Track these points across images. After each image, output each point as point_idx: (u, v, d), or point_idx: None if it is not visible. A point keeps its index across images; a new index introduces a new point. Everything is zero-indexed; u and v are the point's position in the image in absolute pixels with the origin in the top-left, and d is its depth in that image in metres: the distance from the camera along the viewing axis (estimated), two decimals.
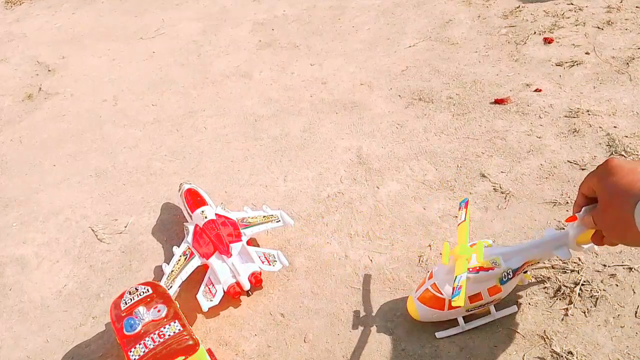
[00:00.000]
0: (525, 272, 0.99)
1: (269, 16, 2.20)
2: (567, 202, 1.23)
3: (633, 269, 1.07)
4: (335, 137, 1.54)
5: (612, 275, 1.07)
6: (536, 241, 0.92)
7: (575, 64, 1.64)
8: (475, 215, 1.24)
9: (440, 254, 1.08)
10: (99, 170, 1.57)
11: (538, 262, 0.94)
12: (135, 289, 1.00)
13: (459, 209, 0.99)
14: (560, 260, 0.91)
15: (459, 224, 0.96)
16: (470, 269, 0.91)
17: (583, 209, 0.80)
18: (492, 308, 0.99)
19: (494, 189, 1.30)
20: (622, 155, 1.32)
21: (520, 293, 1.07)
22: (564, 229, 0.99)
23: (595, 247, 0.89)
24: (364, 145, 1.49)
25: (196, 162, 1.54)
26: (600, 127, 1.41)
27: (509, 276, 0.93)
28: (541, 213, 1.22)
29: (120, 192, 1.48)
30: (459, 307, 0.90)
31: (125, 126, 1.73)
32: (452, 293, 0.85)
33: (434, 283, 0.96)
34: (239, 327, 1.10)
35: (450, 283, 0.92)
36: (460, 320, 0.99)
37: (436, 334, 1.01)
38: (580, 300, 1.03)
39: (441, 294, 0.94)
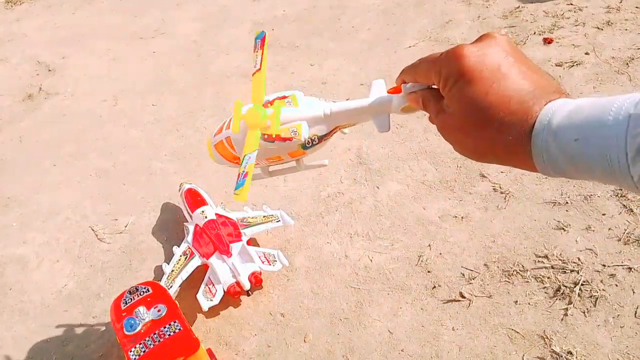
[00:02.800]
0: (343, 131, 0.77)
1: (269, 16, 2.20)
2: (567, 202, 1.23)
3: (633, 269, 1.07)
4: (335, 137, 1.53)
5: (612, 275, 1.07)
6: (351, 104, 0.70)
7: (575, 64, 1.64)
8: (475, 215, 1.24)
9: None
10: (99, 170, 1.57)
11: (354, 125, 0.74)
12: (136, 288, 1.00)
13: (254, 49, 0.74)
14: (378, 130, 0.68)
15: (254, 73, 0.73)
16: (265, 136, 0.70)
17: (411, 84, 0.59)
18: (298, 162, 0.77)
19: (493, 189, 1.30)
20: None
21: (520, 293, 1.07)
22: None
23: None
24: (364, 145, 1.49)
25: (196, 162, 1.54)
26: None
27: (314, 142, 0.73)
28: (541, 213, 1.22)
29: (120, 192, 1.48)
30: (243, 201, 0.72)
31: (125, 126, 1.73)
32: (237, 181, 0.67)
33: (229, 137, 0.76)
34: (239, 327, 1.10)
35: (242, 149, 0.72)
36: (262, 170, 0.79)
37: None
38: (580, 300, 1.04)
39: (235, 151, 0.76)
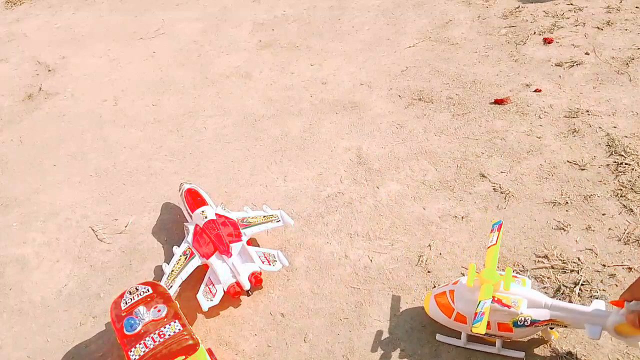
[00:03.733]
0: (552, 328, 0.93)
1: (269, 16, 2.20)
2: (567, 202, 1.23)
3: (632, 269, 1.07)
4: (335, 137, 1.54)
5: (612, 275, 1.07)
6: (572, 306, 0.87)
7: (575, 64, 1.64)
8: (475, 215, 1.24)
9: (465, 274, 1.08)
10: (99, 170, 1.57)
11: (566, 326, 0.89)
12: (136, 288, 1.00)
13: (491, 230, 0.95)
14: (588, 336, 0.85)
15: (489, 247, 0.93)
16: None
17: (634, 302, 0.72)
18: (498, 342, 0.95)
19: (493, 189, 1.30)
20: (622, 155, 1.32)
21: None
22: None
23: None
24: (364, 145, 1.49)
25: (196, 162, 1.54)
26: (600, 127, 1.41)
27: (525, 323, 0.88)
28: (541, 213, 1.22)
29: (120, 192, 1.48)
30: (479, 333, 0.86)
31: (125, 126, 1.73)
32: (474, 318, 0.82)
33: (452, 290, 0.94)
34: (239, 327, 1.10)
35: (468, 303, 0.89)
36: (464, 336, 0.97)
37: (437, 335, 1.00)
38: (580, 300, 1.04)
39: (454, 303, 0.93)
